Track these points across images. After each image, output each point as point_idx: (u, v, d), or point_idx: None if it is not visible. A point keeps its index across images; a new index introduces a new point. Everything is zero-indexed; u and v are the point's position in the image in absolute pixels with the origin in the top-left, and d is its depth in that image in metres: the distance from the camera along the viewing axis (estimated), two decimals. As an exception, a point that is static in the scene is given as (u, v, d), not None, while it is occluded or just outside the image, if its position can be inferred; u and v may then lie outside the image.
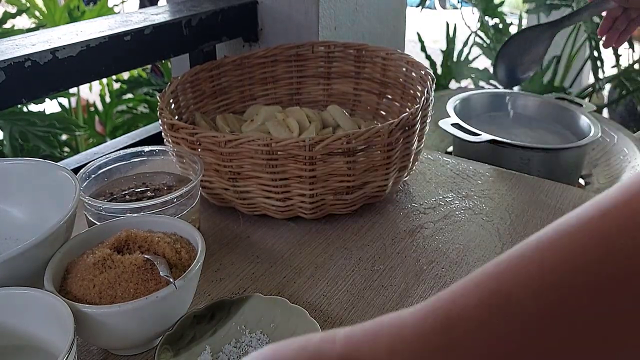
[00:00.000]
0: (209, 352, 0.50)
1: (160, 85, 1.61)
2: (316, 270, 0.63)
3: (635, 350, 0.22)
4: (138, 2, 3.80)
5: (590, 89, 1.88)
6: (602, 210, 0.24)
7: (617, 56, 1.76)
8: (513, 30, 1.78)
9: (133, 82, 1.64)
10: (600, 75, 1.69)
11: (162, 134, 0.72)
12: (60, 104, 1.65)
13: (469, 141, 0.95)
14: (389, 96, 0.89)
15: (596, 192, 0.81)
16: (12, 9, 1.55)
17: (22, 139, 1.23)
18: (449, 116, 1.02)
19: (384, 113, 0.89)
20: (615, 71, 1.85)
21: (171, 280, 0.47)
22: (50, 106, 1.56)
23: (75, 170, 0.79)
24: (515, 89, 1.34)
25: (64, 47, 0.73)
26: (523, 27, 0.80)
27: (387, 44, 1.14)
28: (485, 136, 0.95)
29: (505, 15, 1.92)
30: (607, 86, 2.15)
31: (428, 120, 0.75)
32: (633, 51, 1.87)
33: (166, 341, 0.49)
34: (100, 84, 1.73)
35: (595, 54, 1.66)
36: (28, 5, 1.60)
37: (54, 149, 1.24)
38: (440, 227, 0.71)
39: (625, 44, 1.74)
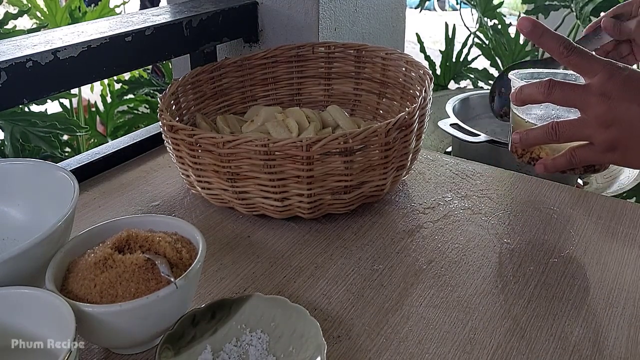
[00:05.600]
0: (210, 351, 0.50)
1: (161, 86, 1.61)
2: (316, 270, 0.63)
3: None
4: (139, 3, 3.81)
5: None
6: None
7: (616, 57, 1.76)
8: (512, 30, 1.79)
9: (134, 82, 1.64)
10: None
11: (162, 135, 0.72)
12: (61, 104, 1.66)
13: (468, 141, 0.96)
14: (389, 96, 0.89)
15: (594, 193, 0.82)
16: (14, 10, 1.56)
17: (23, 139, 1.23)
18: (448, 116, 1.02)
19: (384, 113, 0.90)
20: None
21: (172, 279, 0.48)
22: (51, 106, 1.56)
23: (76, 171, 0.80)
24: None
25: (65, 47, 0.73)
26: (514, 64, 0.80)
27: (386, 45, 1.14)
28: (484, 136, 0.95)
29: (504, 16, 1.92)
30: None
31: (426, 120, 0.76)
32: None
33: (167, 340, 0.50)
34: (102, 84, 1.74)
35: (594, 54, 1.65)
36: (29, 6, 1.60)
37: (55, 149, 1.25)
38: (439, 227, 0.71)
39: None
